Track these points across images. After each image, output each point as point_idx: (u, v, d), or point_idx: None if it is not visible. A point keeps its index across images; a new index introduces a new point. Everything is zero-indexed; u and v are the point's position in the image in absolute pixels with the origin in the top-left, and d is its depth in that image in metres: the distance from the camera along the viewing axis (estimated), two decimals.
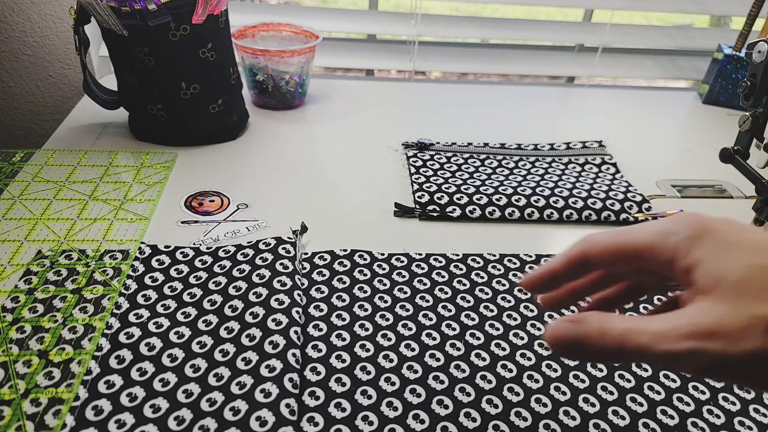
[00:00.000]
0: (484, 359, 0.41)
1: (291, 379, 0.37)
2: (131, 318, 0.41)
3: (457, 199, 0.58)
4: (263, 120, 0.73)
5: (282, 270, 0.45)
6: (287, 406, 0.36)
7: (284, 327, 0.40)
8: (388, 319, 0.44)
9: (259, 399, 0.35)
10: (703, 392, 0.40)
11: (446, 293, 0.47)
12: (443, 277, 0.49)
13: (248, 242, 0.49)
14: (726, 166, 0.56)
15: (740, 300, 0.23)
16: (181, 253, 0.48)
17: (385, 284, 0.47)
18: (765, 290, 0.23)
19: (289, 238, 0.49)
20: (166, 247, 0.48)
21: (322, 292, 0.46)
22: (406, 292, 0.47)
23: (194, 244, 0.50)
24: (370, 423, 0.36)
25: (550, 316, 0.45)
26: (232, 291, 0.44)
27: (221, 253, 0.48)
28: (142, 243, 0.48)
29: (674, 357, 0.23)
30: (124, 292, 0.43)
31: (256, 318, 0.41)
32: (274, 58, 0.71)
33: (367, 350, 0.41)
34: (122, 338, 0.39)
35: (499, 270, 0.50)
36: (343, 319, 0.43)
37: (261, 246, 0.48)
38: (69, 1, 0.76)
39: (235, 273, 0.45)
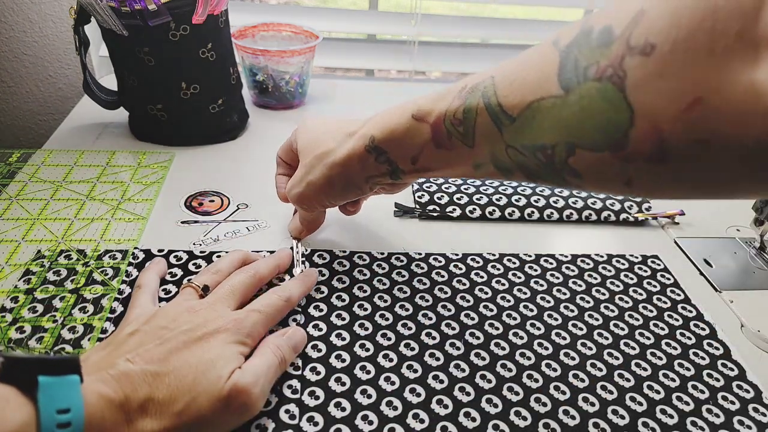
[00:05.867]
0: (483, 359, 0.41)
1: (290, 386, 0.37)
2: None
3: (457, 198, 0.58)
4: (263, 120, 0.73)
5: (278, 283, 0.45)
6: (287, 411, 0.36)
7: None
8: (387, 319, 0.44)
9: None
10: (702, 391, 0.40)
11: (446, 293, 0.47)
12: (443, 276, 0.49)
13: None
14: None
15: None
16: (174, 256, 0.47)
17: (384, 284, 0.47)
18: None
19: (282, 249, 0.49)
20: (159, 251, 0.48)
21: (322, 293, 0.46)
22: (405, 292, 0.46)
23: (194, 244, 0.50)
24: (370, 422, 0.36)
25: (550, 316, 0.46)
26: None
27: (215, 259, 0.48)
28: (135, 248, 0.48)
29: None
30: (118, 297, 0.43)
31: None
32: (274, 58, 0.71)
33: (367, 350, 0.41)
34: None
35: (498, 270, 0.50)
36: (343, 319, 0.43)
37: None
38: (69, 1, 0.76)
39: None
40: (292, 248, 0.49)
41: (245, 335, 0.36)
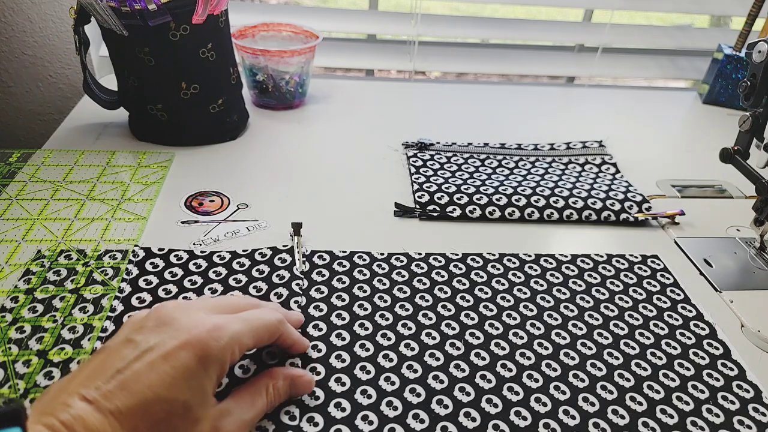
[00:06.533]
0: (483, 359, 0.41)
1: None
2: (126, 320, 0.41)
3: (457, 198, 0.58)
4: (263, 120, 0.73)
5: (278, 282, 0.45)
6: (287, 413, 0.36)
7: None
8: (387, 319, 0.44)
9: None
10: (702, 391, 0.40)
11: (446, 293, 0.47)
12: (443, 276, 0.49)
13: (243, 251, 0.49)
14: (726, 166, 0.56)
15: None
16: (175, 255, 0.48)
17: (384, 284, 0.47)
18: None
19: (284, 246, 0.49)
20: (159, 249, 0.48)
21: (322, 293, 0.46)
22: (405, 292, 0.46)
23: (194, 244, 0.50)
24: (370, 423, 0.36)
25: (550, 316, 0.45)
26: None
27: (216, 259, 0.48)
28: (135, 246, 0.48)
29: None
30: (118, 296, 0.43)
31: None
32: (274, 58, 0.71)
33: (367, 350, 0.41)
34: None
35: (498, 269, 0.50)
36: (343, 319, 0.43)
37: (257, 257, 0.48)
38: (69, 1, 0.76)
39: (231, 282, 0.45)
40: (292, 247, 0.49)
41: (221, 349, 0.31)
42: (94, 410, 0.27)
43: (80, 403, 0.27)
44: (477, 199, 0.58)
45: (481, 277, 0.49)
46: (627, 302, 0.48)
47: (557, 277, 0.50)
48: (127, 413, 0.27)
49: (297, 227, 0.51)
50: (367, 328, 0.43)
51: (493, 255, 0.52)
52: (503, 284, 0.48)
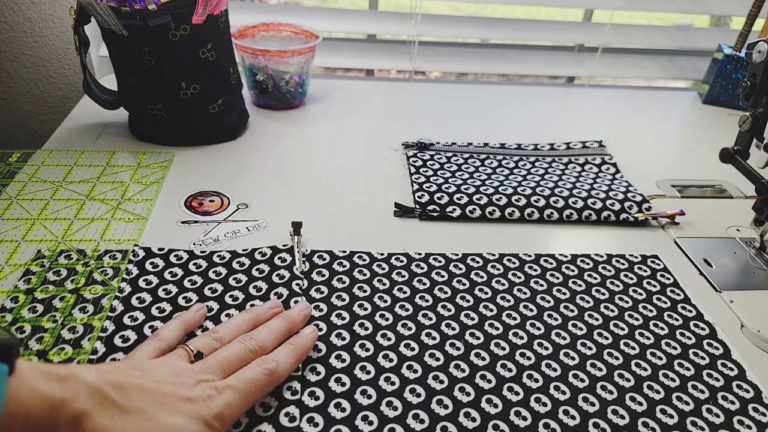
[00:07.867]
0: (483, 359, 0.41)
1: (290, 387, 0.37)
2: (126, 321, 0.41)
3: (457, 199, 0.58)
4: (263, 120, 0.73)
5: (278, 281, 0.45)
6: (287, 414, 0.36)
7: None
8: (387, 319, 0.44)
9: (259, 413, 0.35)
10: (702, 391, 0.40)
11: (446, 293, 0.47)
12: (443, 276, 0.49)
13: (243, 250, 0.49)
14: (726, 166, 0.56)
15: None
16: (175, 255, 0.48)
17: (384, 284, 0.47)
18: None
19: (284, 245, 0.49)
20: (159, 249, 0.48)
21: (322, 293, 0.46)
22: (405, 292, 0.46)
23: (194, 244, 0.50)
24: (370, 423, 0.36)
25: (550, 316, 0.45)
26: (228, 300, 0.44)
27: (216, 259, 0.48)
28: (135, 246, 0.48)
29: None
30: (118, 296, 0.43)
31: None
32: (274, 58, 0.71)
33: (367, 350, 0.41)
34: (117, 341, 0.39)
35: (498, 270, 0.50)
36: (343, 319, 0.43)
37: (257, 256, 0.48)
38: (69, 1, 0.76)
39: (231, 282, 0.45)
40: (292, 246, 0.49)
41: (213, 416, 0.32)
42: (89, 378, 0.29)
43: (80, 369, 0.29)
44: (477, 199, 0.58)
45: (481, 277, 0.49)
46: (627, 302, 0.48)
47: (557, 277, 0.50)
48: (113, 403, 0.29)
49: (297, 227, 0.52)
50: (367, 328, 0.43)
51: (493, 255, 0.52)
52: (503, 284, 0.48)
